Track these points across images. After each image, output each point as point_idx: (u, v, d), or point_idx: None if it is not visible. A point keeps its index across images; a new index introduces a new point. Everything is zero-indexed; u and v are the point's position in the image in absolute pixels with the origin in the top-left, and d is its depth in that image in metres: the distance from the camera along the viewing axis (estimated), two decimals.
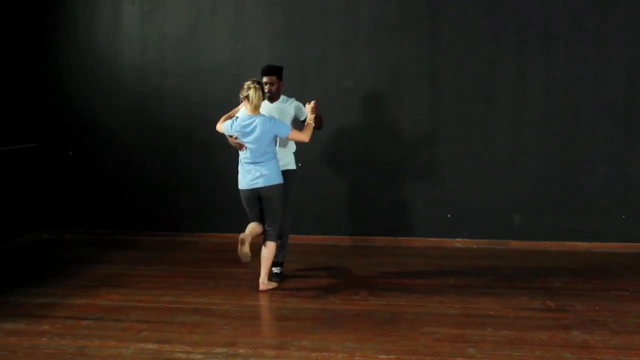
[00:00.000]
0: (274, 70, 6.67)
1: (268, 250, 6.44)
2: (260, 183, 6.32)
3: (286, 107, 6.71)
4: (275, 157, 6.41)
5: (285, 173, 6.60)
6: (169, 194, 8.82)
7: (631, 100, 7.92)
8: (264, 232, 6.48)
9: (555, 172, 8.09)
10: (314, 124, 6.52)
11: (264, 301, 6.24)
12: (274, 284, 6.56)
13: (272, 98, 6.69)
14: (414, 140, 8.29)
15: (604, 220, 8.04)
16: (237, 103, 6.65)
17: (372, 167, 8.41)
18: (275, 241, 6.49)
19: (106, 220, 8.98)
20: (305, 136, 6.42)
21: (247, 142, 6.27)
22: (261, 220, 6.49)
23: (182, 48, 8.63)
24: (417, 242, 8.31)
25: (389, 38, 8.23)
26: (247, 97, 6.23)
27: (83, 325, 5.62)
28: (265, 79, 6.60)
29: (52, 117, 8.93)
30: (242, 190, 6.42)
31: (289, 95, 6.82)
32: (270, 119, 6.30)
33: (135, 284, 6.80)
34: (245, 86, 6.24)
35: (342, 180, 8.46)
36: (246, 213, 6.57)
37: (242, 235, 6.20)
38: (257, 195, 6.38)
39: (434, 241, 8.30)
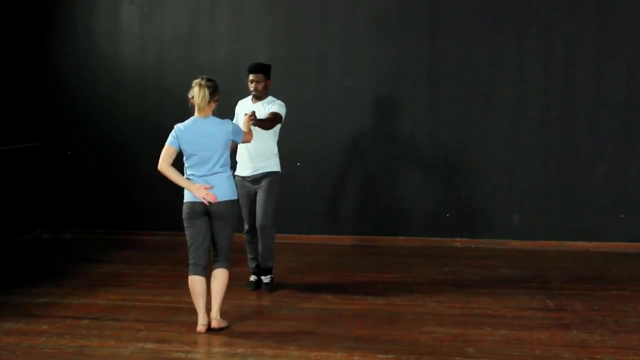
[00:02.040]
0: (261, 68, 6.36)
1: (219, 281, 5.50)
2: None
3: (265, 108, 6.31)
4: (228, 168, 5.49)
5: (268, 174, 6.40)
6: (168, 193, 8.78)
7: (631, 100, 7.93)
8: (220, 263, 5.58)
9: (555, 172, 8.10)
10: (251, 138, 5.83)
11: (263, 301, 6.24)
12: (225, 323, 5.55)
13: (259, 97, 6.38)
14: (413, 140, 8.30)
15: (603, 220, 8.05)
16: (234, 102, 6.64)
17: (371, 166, 8.41)
18: (227, 268, 5.53)
19: (105, 220, 8.98)
20: (250, 137, 5.77)
21: (197, 154, 5.37)
22: (204, 256, 5.51)
23: (182, 48, 8.63)
24: (416, 241, 8.31)
25: (388, 38, 8.24)
26: (193, 97, 5.38)
27: (82, 325, 5.61)
28: (251, 77, 6.32)
29: (52, 116, 8.93)
30: (189, 202, 5.45)
31: (284, 95, 6.69)
32: (229, 122, 5.52)
33: (135, 284, 6.81)
34: (192, 84, 5.40)
35: (341, 180, 8.46)
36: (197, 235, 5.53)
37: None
38: (206, 211, 5.41)
39: (433, 241, 8.30)
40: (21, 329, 5.54)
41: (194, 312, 5.80)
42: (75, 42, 8.82)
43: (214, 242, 5.53)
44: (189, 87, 8.35)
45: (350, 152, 8.42)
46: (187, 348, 5.12)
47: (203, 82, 5.35)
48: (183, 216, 5.53)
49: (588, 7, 7.90)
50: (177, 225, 8.70)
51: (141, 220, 8.89)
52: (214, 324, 5.48)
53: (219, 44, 8.56)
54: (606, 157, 8.02)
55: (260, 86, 6.34)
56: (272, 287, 6.54)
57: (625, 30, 7.86)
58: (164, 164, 5.38)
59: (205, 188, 5.35)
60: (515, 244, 8.17)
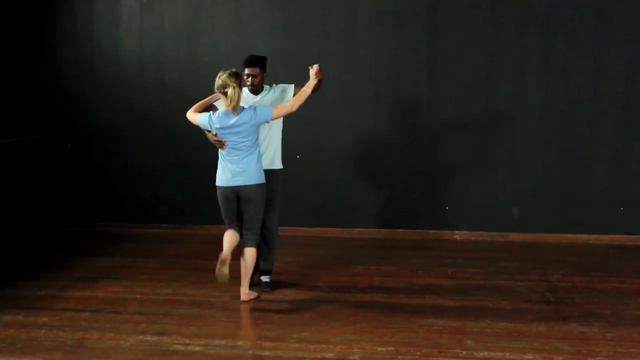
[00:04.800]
0: (258, 61, 6.15)
1: (248, 258, 5.97)
2: (240, 181, 5.79)
3: (269, 98, 6.20)
4: (258, 154, 5.89)
5: (272, 172, 6.20)
6: (168, 186, 8.82)
7: (631, 95, 7.91)
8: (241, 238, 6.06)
9: (555, 165, 8.09)
10: (310, 91, 5.88)
11: (262, 294, 6.23)
12: (255, 294, 6.11)
13: (256, 91, 6.17)
14: (412, 133, 8.29)
15: (603, 213, 8.05)
16: None
17: (370, 160, 8.40)
18: (255, 247, 6.01)
19: (105, 213, 8.98)
20: (292, 105, 5.79)
21: (229, 140, 5.77)
22: (238, 222, 6.00)
23: (181, 40, 8.62)
24: (416, 234, 8.31)
25: (388, 32, 8.22)
26: (225, 94, 5.66)
27: (82, 318, 5.63)
28: (248, 71, 6.09)
29: (52, 109, 8.92)
30: (220, 187, 5.91)
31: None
32: (251, 108, 5.76)
33: (134, 277, 6.81)
34: (220, 80, 5.66)
35: (341, 173, 8.46)
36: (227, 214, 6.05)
37: (222, 256, 5.69)
38: (236, 194, 5.87)
39: (432, 233, 8.30)
40: (21, 322, 5.55)
41: (193, 304, 5.86)
42: (75, 35, 8.81)
43: (244, 223, 5.96)
44: (188, 79, 8.54)
45: (349, 146, 8.41)
46: (187, 340, 5.13)
47: (234, 83, 5.64)
48: (217, 195, 5.98)
49: (588, 2, 7.88)
50: (177, 218, 8.79)
51: (141, 213, 8.90)
52: (243, 297, 6.02)
53: (219, 37, 8.55)
54: (606, 151, 8.01)
55: (257, 80, 6.12)
56: (272, 285, 6.41)
57: (626, 25, 7.83)
58: (191, 113, 5.98)
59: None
60: (515, 236, 8.17)
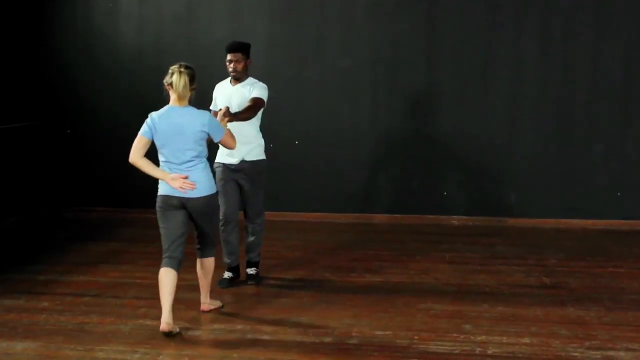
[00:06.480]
0: (240, 47, 5.87)
1: (208, 267, 5.31)
2: (188, 193, 5.00)
3: (246, 91, 5.88)
4: (205, 160, 5.10)
5: (254, 163, 5.92)
6: None
7: (628, 80, 7.93)
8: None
9: (552, 150, 8.12)
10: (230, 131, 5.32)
11: (264, 281, 6.24)
12: (218, 303, 5.48)
13: (238, 79, 5.90)
14: (410, 119, 8.30)
15: (599, 198, 8.08)
16: None
17: (369, 145, 8.42)
18: (214, 255, 5.35)
19: (105, 198, 8.99)
20: (232, 143, 5.25)
21: (172, 146, 5.04)
22: (180, 243, 5.07)
23: (180, 27, 8.60)
24: (414, 219, 8.33)
25: (386, 18, 8.22)
26: (171, 84, 5.05)
27: (82, 302, 5.65)
28: (229, 56, 5.84)
29: (51, 95, 8.92)
30: (163, 195, 5.09)
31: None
32: (205, 114, 5.07)
33: (134, 261, 6.84)
34: (170, 71, 5.08)
35: (340, 158, 8.47)
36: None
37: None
38: (182, 205, 5.03)
39: (430, 218, 8.33)
40: (22, 306, 5.57)
41: (192, 289, 5.80)
42: (75, 22, 8.79)
43: (199, 234, 5.26)
44: None
45: (347, 131, 8.42)
46: (187, 325, 5.15)
47: (182, 69, 5.02)
48: (157, 209, 5.14)
49: None
50: None
51: (140, 198, 8.86)
52: (204, 307, 5.39)
53: (217, 23, 8.53)
54: (603, 136, 8.03)
55: (240, 66, 5.85)
56: (258, 279, 6.14)
57: (624, 12, 7.84)
58: (137, 155, 5.10)
59: (181, 177, 4.99)
60: (512, 221, 8.19)
